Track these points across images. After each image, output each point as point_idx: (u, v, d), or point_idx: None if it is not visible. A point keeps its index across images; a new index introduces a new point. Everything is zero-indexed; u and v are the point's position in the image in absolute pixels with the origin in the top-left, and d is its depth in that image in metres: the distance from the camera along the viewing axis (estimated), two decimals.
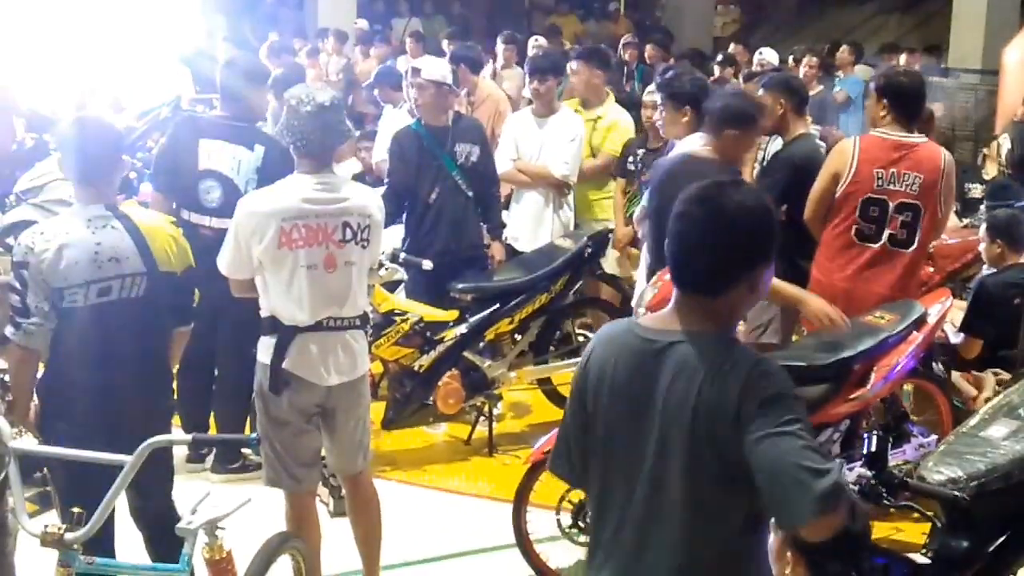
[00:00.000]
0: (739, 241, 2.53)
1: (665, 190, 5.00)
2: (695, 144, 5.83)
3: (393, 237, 6.86)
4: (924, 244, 5.71)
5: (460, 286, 6.65)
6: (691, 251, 2.55)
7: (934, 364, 5.69)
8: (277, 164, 5.42)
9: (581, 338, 7.57)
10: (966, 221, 8.24)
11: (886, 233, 5.55)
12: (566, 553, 5.19)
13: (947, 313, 5.66)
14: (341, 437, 4.60)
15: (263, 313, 4.45)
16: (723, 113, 5.25)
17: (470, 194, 6.94)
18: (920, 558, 4.07)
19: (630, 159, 7.60)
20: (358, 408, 4.61)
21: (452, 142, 6.91)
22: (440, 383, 6.48)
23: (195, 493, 3.77)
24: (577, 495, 4.99)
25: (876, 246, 5.57)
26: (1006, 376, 6.02)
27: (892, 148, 5.55)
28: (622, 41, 13.50)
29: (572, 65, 8.22)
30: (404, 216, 6.98)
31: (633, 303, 5.18)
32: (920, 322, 5.33)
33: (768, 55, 11.53)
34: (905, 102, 5.63)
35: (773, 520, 2.57)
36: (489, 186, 7.15)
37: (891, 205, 5.52)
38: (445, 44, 13.36)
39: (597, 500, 2.72)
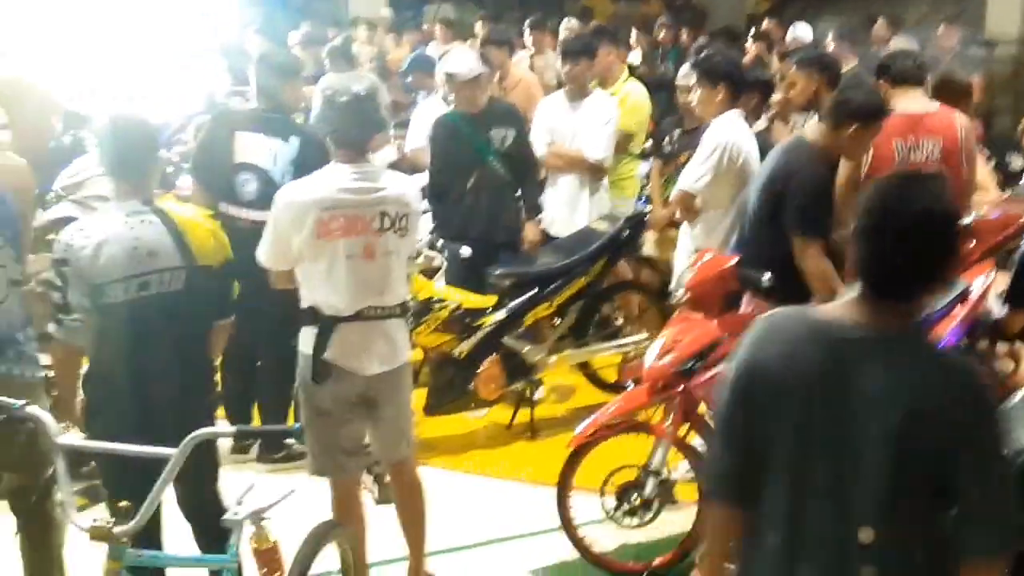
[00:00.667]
0: (944, 247, 2.45)
1: (781, 176, 4.95)
2: (733, 122, 5.80)
3: (427, 225, 6.88)
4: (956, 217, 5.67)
5: (498, 272, 6.65)
6: (886, 259, 2.43)
7: (978, 340, 5.63)
8: (313, 155, 5.44)
9: (620, 321, 7.56)
10: (1008, 193, 8.14)
11: None
12: (611, 536, 5.18)
13: (991, 287, 5.60)
14: (384, 425, 4.61)
15: (303, 304, 4.46)
16: (846, 106, 5.02)
17: (508, 178, 6.95)
18: None
19: (665, 141, 7.57)
20: (400, 396, 4.62)
21: (488, 127, 6.91)
22: (480, 369, 6.49)
23: (240, 484, 3.80)
24: (622, 478, 4.99)
25: None
26: None
27: (905, 119, 5.56)
28: (658, 22, 13.38)
29: None
30: (431, 204, 7.00)
31: (672, 285, 5.16)
32: (963, 296, 5.27)
33: (802, 31, 11.41)
34: (903, 77, 5.65)
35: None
36: (527, 169, 7.16)
37: None
38: (479, 27, 13.37)
39: (771, 496, 2.50)
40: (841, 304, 2.50)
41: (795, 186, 4.89)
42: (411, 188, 4.62)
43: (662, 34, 12.49)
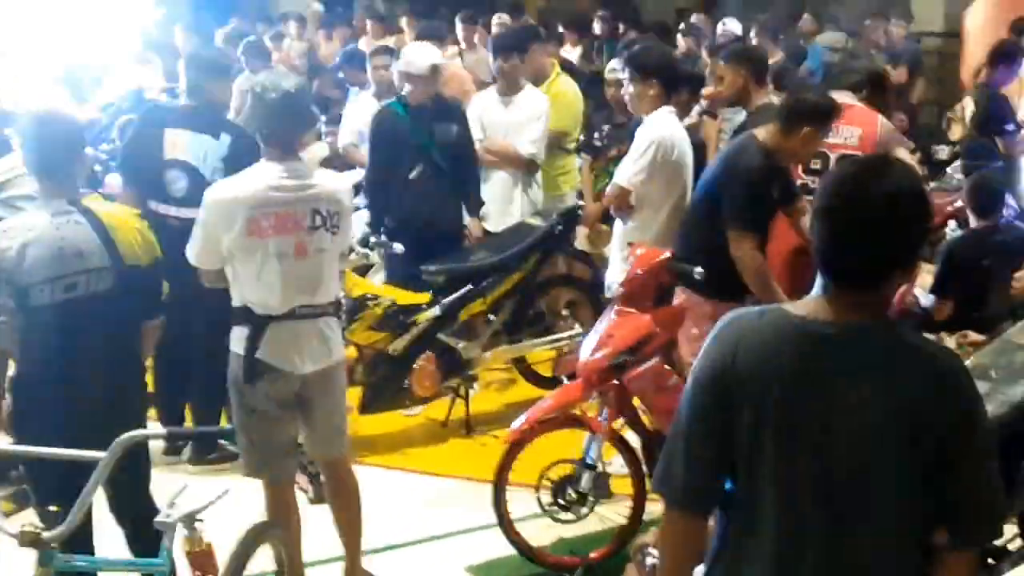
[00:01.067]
0: (902, 228, 2.34)
1: (735, 175, 4.99)
2: (666, 118, 5.83)
3: (360, 222, 6.85)
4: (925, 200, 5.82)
5: (432, 268, 6.63)
6: (849, 241, 2.34)
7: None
8: (244, 153, 5.39)
9: (554, 316, 7.57)
10: (933, 184, 8.27)
11: None
12: (547, 531, 5.20)
13: (916, 276, 5.68)
14: (318, 424, 4.58)
15: (235, 303, 4.43)
16: (800, 108, 5.09)
17: (449, 174, 6.96)
18: None
19: (596, 135, 7.60)
20: (334, 395, 4.59)
21: (432, 122, 6.91)
22: (415, 366, 6.48)
23: (172, 486, 3.76)
24: (557, 472, 5.01)
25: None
26: (978, 338, 6.04)
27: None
28: (598, 14, 13.40)
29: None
30: (370, 196, 6.98)
31: (607, 279, 5.18)
32: None
33: (731, 26, 11.52)
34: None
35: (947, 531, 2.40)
36: (468, 165, 7.17)
37: (832, 156, 5.66)
38: (404, 22, 13.33)
39: (755, 499, 2.43)
40: (807, 301, 2.43)
41: (734, 178, 4.95)
42: (343, 185, 4.60)
43: (599, 28, 12.51)
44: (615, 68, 7.52)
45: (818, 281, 2.42)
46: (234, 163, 5.48)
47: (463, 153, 7.10)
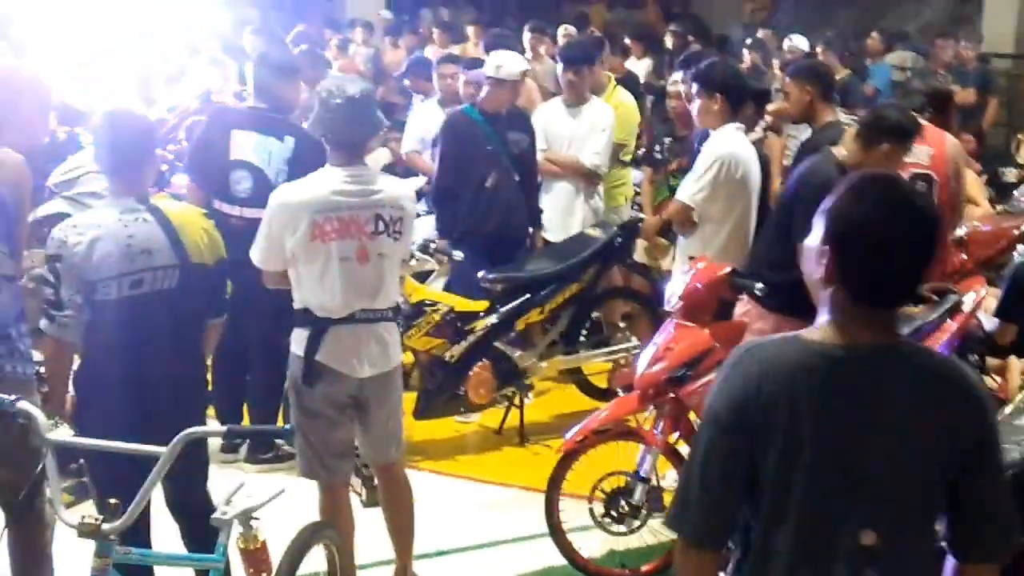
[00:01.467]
0: (925, 248, 2.34)
1: (809, 190, 4.89)
2: (732, 135, 5.81)
3: (424, 228, 6.89)
4: (947, 219, 5.76)
5: (491, 276, 6.65)
6: (899, 261, 2.31)
7: (969, 353, 5.66)
8: (308, 155, 5.45)
9: (611, 328, 7.57)
10: (1000, 207, 8.17)
11: None
12: (598, 542, 5.19)
13: (982, 301, 5.63)
14: (374, 428, 4.61)
15: (296, 305, 4.47)
16: (881, 124, 5.05)
17: (518, 183, 7.02)
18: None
19: (657, 148, 7.59)
20: (391, 399, 4.62)
21: (506, 130, 6.97)
22: (471, 373, 6.49)
23: (229, 483, 3.80)
24: (610, 484, 5.00)
25: None
26: None
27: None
28: (670, 28, 13.35)
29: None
30: (439, 201, 7.01)
31: (667, 293, 5.16)
32: (954, 310, 5.29)
33: (798, 41, 11.45)
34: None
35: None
36: (533, 175, 7.23)
37: (904, 176, 5.57)
38: (471, 31, 13.38)
39: (778, 527, 2.38)
40: (819, 328, 2.39)
41: (809, 194, 4.91)
42: (406, 191, 4.63)
43: (670, 42, 12.44)
44: (676, 80, 7.53)
45: (826, 306, 2.38)
46: (298, 165, 5.55)
47: (530, 163, 7.17)
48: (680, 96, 7.32)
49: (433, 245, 6.66)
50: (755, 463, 2.37)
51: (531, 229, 7.29)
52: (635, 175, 8.19)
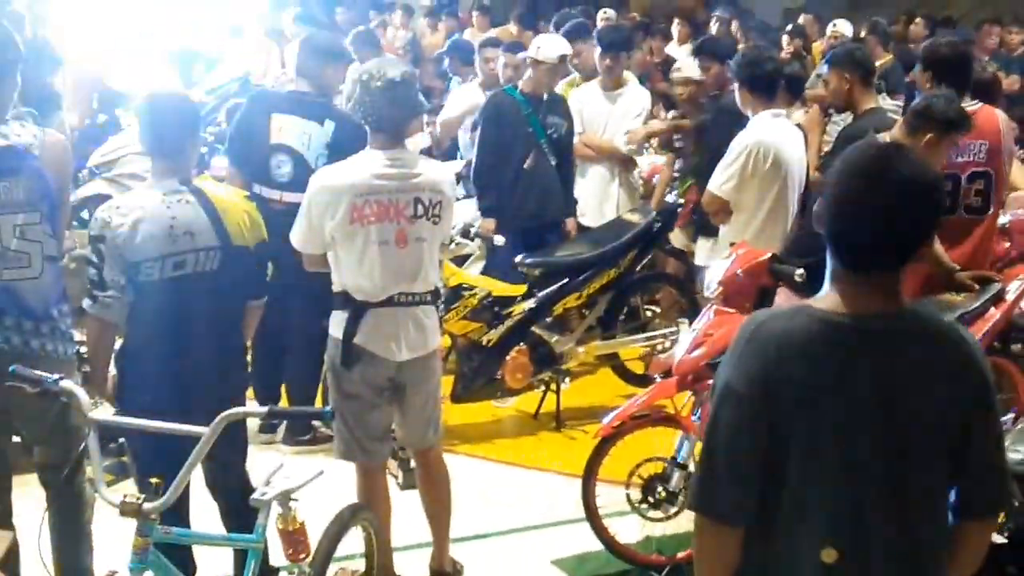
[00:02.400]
0: (916, 212, 2.36)
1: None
2: (767, 122, 5.76)
3: (464, 212, 6.89)
4: (998, 208, 5.67)
5: (528, 261, 6.64)
6: (877, 222, 2.35)
7: (1013, 343, 5.60)
8: (348, 139, 5.45)
9: (649, 313, 7.55)
10: None
11: (961, 204, 5.49)
12: (635, 528, 5.17)
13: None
14: (411, 411, 4.62)
15: (335, 288, 4.48)
16: (925, 114, 5.02)
17: (555, 165, 7.03)
18: (997, 537, 4.01)
19: (676, 136, 7.61)
20: (429, 383, 4.62)
21: (545, 114, 7.01)
22: (508, 357, 6.49)
23: (267, 464, 3.81)
24: (647, 470, 4.99)
25: (952, 217, 5.48)
26: None
27: None
28: (715, 14, 13.25)
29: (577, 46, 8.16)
30: (482, 180, 7.02)
31: (707, 279, 5.13)
32: (998, 299, 5.24)
33: (842, 27, 11.31)
34: (950, 71, 5.56)
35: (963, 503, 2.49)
36: (569, 161, 7.23)
37: (963, 177, 5.47)
38: (512, 26, 13.35)
39: (798, 503, 2.41)
40: (823, 297, 2.44)
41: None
42: (446, 175, 4.62)
43: (714, 29, 12.35)
44: (678, 68, 7.59)
45: (827, 277, 2.43)
46: (338, 149, 5.55)
47: (567, 149, 7.17)
48: (686, 82, 7.38)
49: (473, 229, 6.66)
50: (775, 439, 2.38)
51: (566, 216, 7.29)
52: (642, 162, 8.18)
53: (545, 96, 7.09)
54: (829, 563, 2.39)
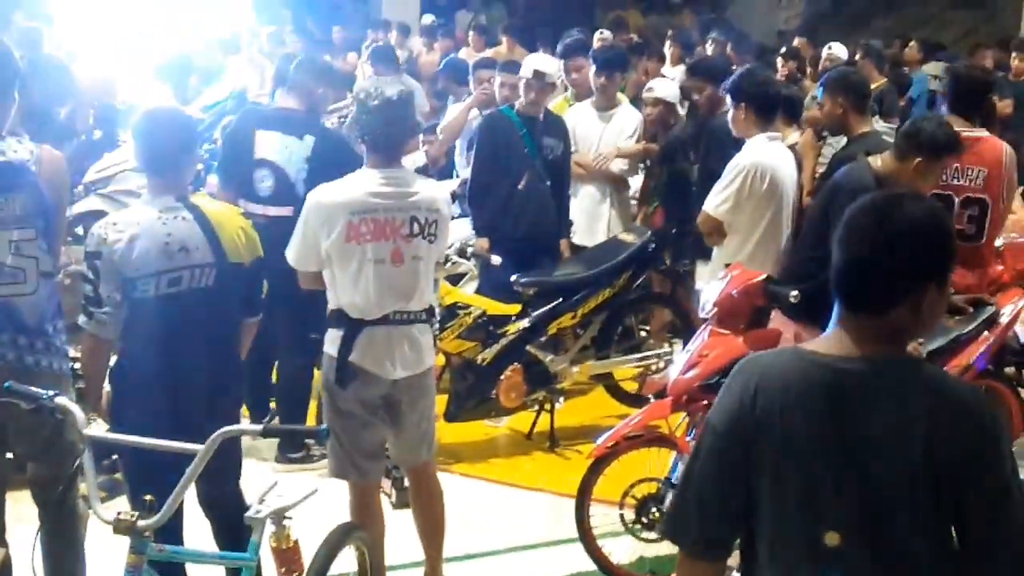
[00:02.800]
0: (904, 255, 2.32)
1: (843, 197, 4.82)
2: (762, 145, 5.77)
3: (459, 231, 6.89)
4: (992, 237, 5.67)
5: (523, 280, 6.64)
6: (856, 264, 2.36)
7: (1006, 365, 5.62)
8: (328, 153, 5.53)
9: (643, 333, 7.55)
10: None
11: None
12: (628, 548, 5.17)
13: (1020, 313, 5.57)
14: (405, 430, 4.61)
15: (330, 306, 4.48)
16: (914, 139, 5.02)
17: (549, 187, 7.03)
18: None
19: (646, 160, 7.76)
20: (423, 401, 4.62)
21: (541, 134, 7.00)
22: (502, 377, 6.48)
23: (261, 482, 3.81)
24: (641, 490, 4.98)
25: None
26: None
27: None
28: (711, 36, 13.29)
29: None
30: (476, 200, 7.03)
31: (702, 299, 5.13)
32: (991, 322, 5.25)
33: (837, 50, 11.35)
34: (964, 95, 5.57)
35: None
36: (564, 182, 7.23)
37: (956, 200, 5.49)
38: (503, 40, 13.41)
39: (775, 543, 2.41)
40: (823, 339, 2.42)
41: (842, 200, 4.89)
42: (442, 194, 4.64)
43: (709, 50, 12.38)
44: (651, 88, 7.65)
45: (833, 318, 2.41)
46: (317, 162, 5.65)
47: (562, 170, 7.15)
48: (655, 103, 7.45)
49: (470, 248, 6.66)
50: (749, 474, 2.38)
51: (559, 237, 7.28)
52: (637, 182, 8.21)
53: (542, 116, 7.07)
54: None
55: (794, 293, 4.86)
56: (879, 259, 2.33)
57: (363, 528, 4.39)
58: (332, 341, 4.48)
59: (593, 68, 7.84)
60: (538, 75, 6.96)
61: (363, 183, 4.42)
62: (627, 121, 7.70)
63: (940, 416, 2.30)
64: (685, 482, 2.49)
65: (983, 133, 5.61)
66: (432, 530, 4.82)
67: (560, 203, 7.22)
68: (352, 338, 4.42)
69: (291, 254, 4.50)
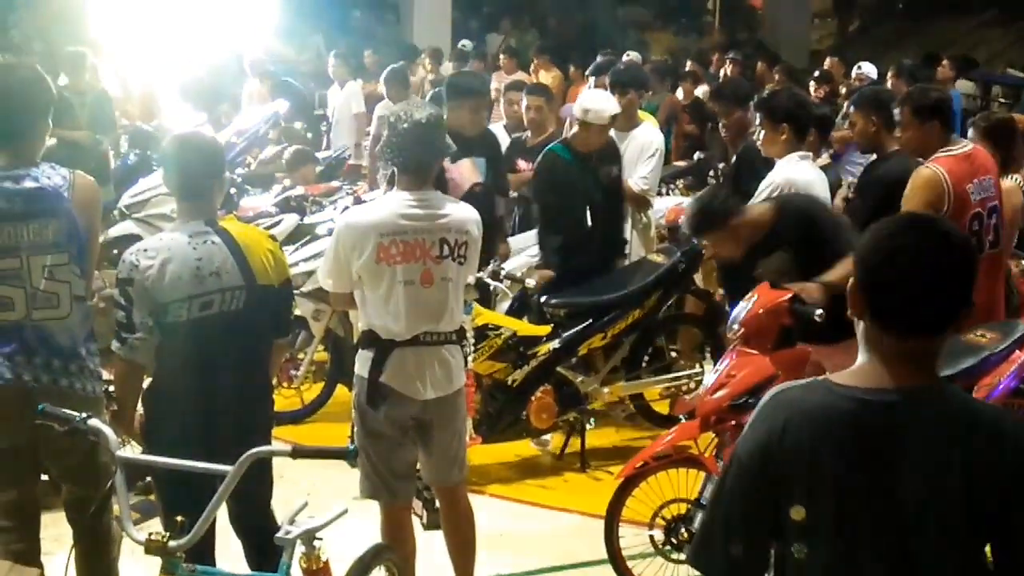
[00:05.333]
0: (966, 275, 2.34)
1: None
2: (794, 164, 5.79)
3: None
4: (1008, 242, 5.82)
5: (553, 301, 6.66)
6: (920, 284, 2.30)
7: None
8: None
9: (674, 354, 7.55)
10: None
11: (986, 240, 5.55)
12: (658, 570, 5.15)
13: None
14: (437, 450, 4.63)
15: (361, 327, 4.52)
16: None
17: (614, 211, 7.09)
18: None
19: (711, 172, 7.70)
20: (454, 422, 4.64)
21: (597, 165, 7.08)
22: (533, 398, 6.50)
23: (291, 503, 3.83)
24: (671, 511, 4.98)
25: (981, 256, 5.53)
26: None
27: (963, 159, 5.60)
28: (728, 56, 13.31)
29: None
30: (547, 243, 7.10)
31: (731, 319, 5.13)
32: (1023, 340, 5.21)
33: (867, 69, 11.35)
34: (946, 114, 5.68)
35: None
36: (619, 206, 7.28)
37: (984, 213, 5.53)
38: (535, 63, 13.49)
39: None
40: (853, 372, 2.39)
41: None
42: (473, 216, 4.67)
43: (730, 70, 12.41)
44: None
45: (862, 344, 2.39)
46: None
47: (617, 192, 7.21)
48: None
49: (503, 271, 6.67)
50: (773, 508, 2.38)
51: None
52: (662, 203, 8.21)
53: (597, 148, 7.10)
54: None
55: (819, 312, 4.85)
56: (943, 280, 2.31)
57: (394, 549, 4.41)
58: (363, 362, 4.51)
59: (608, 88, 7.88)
60: (593, 119, 6.95)
61: (393, 205, 4.46)
62: (648, 140, 7.68)
63: (977, 443, 2.28)
64: (712, 513, 2.51)
65: (969, 144, 5.71)
66: (463, 551, 4.82)
67: (616, 226, 7.28)
68: (383, 359, 4.45)
69: (323, 274, 4.55)
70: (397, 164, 4.50)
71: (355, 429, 4.66)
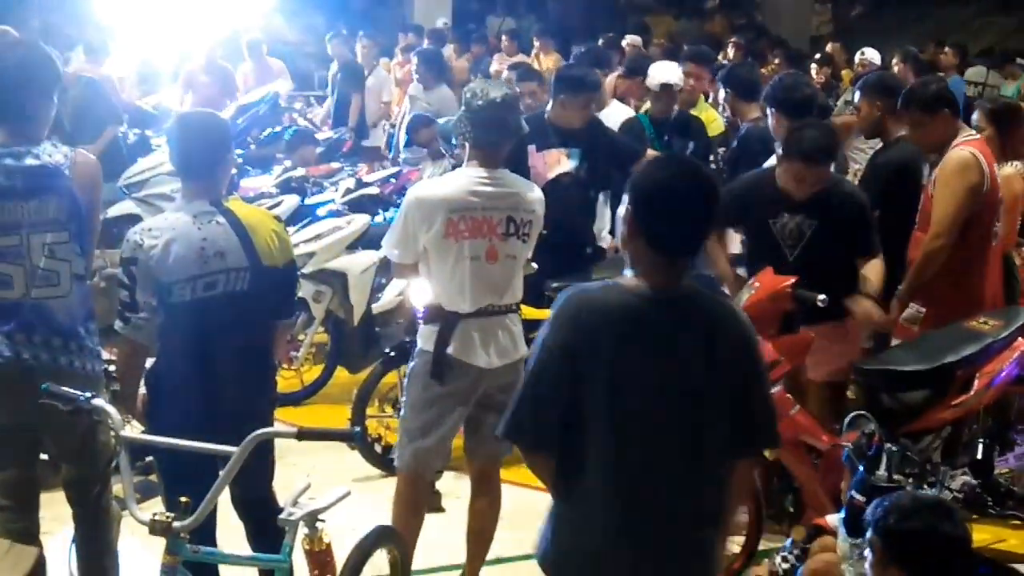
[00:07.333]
0: (713, 206, 2.99)
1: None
2: None
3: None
4: (1010, 228, 5.91)
5: (555, 285, 6.61)
6: (687, 218, 2.93)
7: None
8: None
9: None
10: None
11: (994, 233, 5.55)
12: None
13: None
14: (494, 419, 4.57)
15: (425, 301, 4.55)
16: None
17: None
18: None
19: (711, 158, 7.70)
20: (514, 390, 4.60)
21: (670, 135, 7.41)
22: None
23: (294, 485, 3.82)
24: None
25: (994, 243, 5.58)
26: None
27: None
28: (731, 40, 13.24)
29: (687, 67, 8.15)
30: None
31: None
32: None
33: (871, 55, 11.30)
34: (952, 101, 5.70)
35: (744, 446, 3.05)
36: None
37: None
38: (536, 45, 13.43)
39: (599, 453, 2.91)
40: (631, 277, 2.95)
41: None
42: (538, 195, 4.72)
43: (732, 53, 12.36)
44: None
45: (631, 259, 2.95)
46: None
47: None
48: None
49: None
50: (572, 386, 2.89)
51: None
52: None
53: (673, 116, 7.49)
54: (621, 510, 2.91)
55: (822, 297, 4.86)
56: (700, 210, 2.95)
57: (397, 533, 4.39)
58: (427, 336, 4.53)
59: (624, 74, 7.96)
60: (664, 87, 7.42)
61: (463, 181, 4.51)
62: (616, 120, 7.66)
63: (729, 327, 2.98)
64: (522, 392, 3.01)
65: (974, 133, 5.71)
66: (483, 534, 4.81)
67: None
68: (449, 332, 4.48)
69: (387, 244, 4.60)
70: (469, 140, 4.53)
71: (405, 402, 4.66)
